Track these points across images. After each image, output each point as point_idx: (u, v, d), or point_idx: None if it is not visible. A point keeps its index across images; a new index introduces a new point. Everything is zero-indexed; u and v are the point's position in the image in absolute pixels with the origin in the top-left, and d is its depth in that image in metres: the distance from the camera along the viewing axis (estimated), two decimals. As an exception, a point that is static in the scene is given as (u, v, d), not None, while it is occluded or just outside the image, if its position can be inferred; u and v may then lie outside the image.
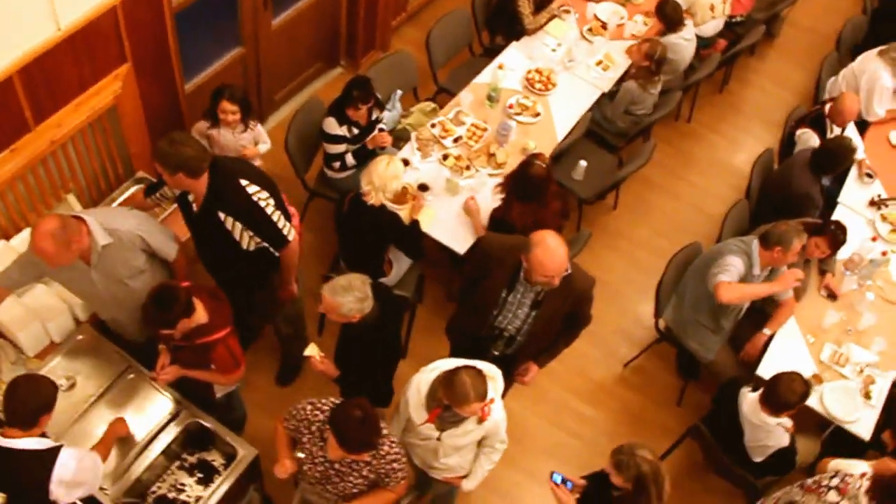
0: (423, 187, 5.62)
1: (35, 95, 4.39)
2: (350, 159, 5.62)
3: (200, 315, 4.05)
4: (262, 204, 4.32)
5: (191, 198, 4.35)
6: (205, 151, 4.19)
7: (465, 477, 4.45)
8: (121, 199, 5.19)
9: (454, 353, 4.96)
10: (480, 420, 4.04)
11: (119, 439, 4.25)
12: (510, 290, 4.37)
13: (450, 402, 3.85)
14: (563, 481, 4.18)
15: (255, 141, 5.48)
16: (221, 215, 4.28)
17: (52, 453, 3.56)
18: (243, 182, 4.29)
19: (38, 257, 3.90)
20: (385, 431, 3.77)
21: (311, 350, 4.34)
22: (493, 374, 4.02)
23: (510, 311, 4.44)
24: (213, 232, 4.37)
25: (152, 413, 4.44)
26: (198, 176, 4.14)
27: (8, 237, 4.78)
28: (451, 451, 4.23)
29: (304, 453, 3.88)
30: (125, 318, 4.47)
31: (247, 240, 4.38)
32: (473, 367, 3.88)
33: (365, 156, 5.50)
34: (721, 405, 5.00)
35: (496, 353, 4.65)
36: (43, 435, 3.61)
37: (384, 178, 4.85)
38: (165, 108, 5.43)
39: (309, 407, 3.86)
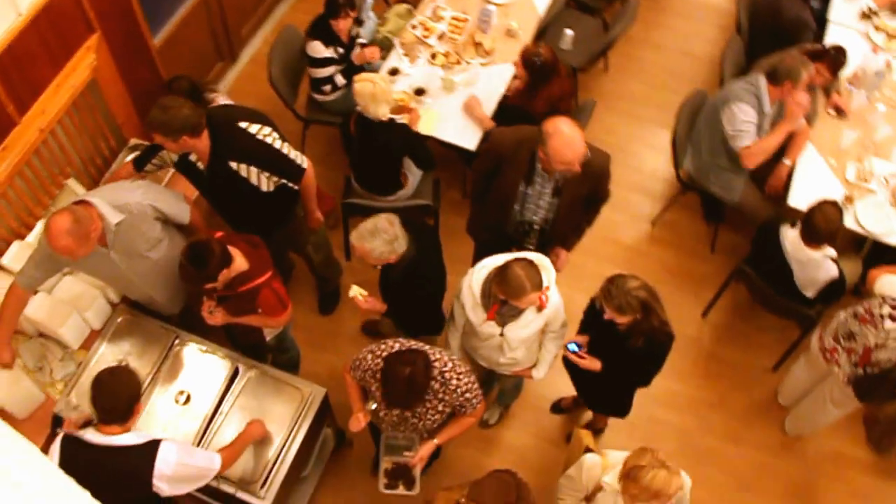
0: (420, 91, 5.50)
1: (13, 88, 4.22)
2: (340, 79, 5.49)
3: (240, 263, 4.00)
4: (269, 140, 4.26)
5: (193, 158, 4.26)
6: (198, 107, 4.08)
7: (533, 367, 4.49)
8: (107, 174, 5.05)
9: (480, 251, 5.01)
10: (539, 309, 4.04)
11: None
12: (528, 182, 4.35)
13: (506, 296, 3.85)
14: (577, 346, 4.26)
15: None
16: (233, 164, 4.21)
17: (152, 447, 3.52)
18: (243, 125, 4.21)
19: (59, 256, 3.84)
20: (450, 364, 3.79)
21: (354, 291, 4.33)
22: (543, 262, 4.00)
23: (532, 202, 4.43)
24: (229, 184, 4.29)
25: (212, 377, 4.43)
26: (200, 133, 4.06)
27: (21, 236, 4.68)
28: (516, 345, 4.24)
29: (376, 402, 3.91)
30: (155, 292, 4.42)
31: (265, 182, 4.32)
32: (524, 259, 3.87)
33: (354, 72, 5.36)
34: (762, 246, 5.01)
35: (531, 247, 4.63)
36: None
37: (377, 98, 4.72)
38: (141, 69, 5.25)
39: (370, 356, 3.86)
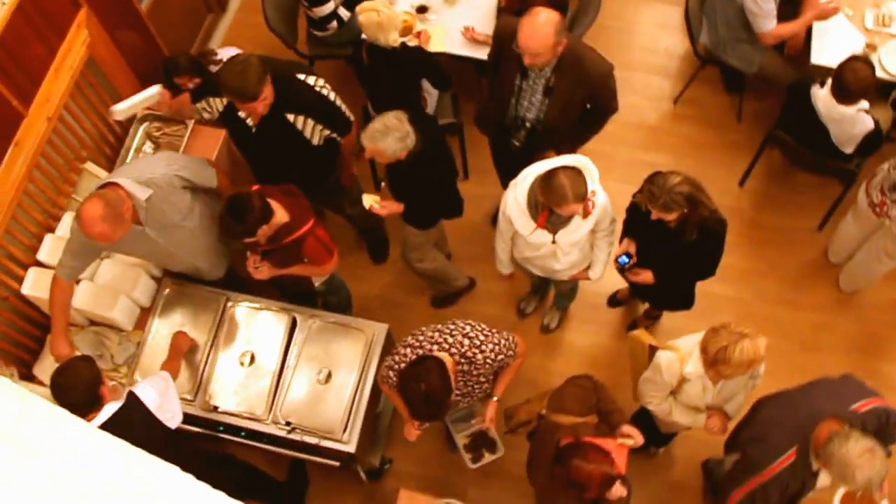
0: (422, 9, 5.34)
1: (13, 81, 4.10)
2: (344, 12, 5.30)
3: (281, 215, 3.95)
4: (325, 92, 4.23)
5: (243, 114, 4.18)
6: (260, 57, 4.02)
7: (588, 269, 4.46)
8: (142, 97, 4.76)
9: (494, 150, 5.03)
10: (585, 215, 3.99)
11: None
12: (523, 76, 4.26)
13: (549, 203, 3.81)
14: (627, 257, 4.24)
15: None
16: (290, 116, 4.16)
17: (132, 398, 3.60)
18: (301, 76, 4.18)
19: (95, 242, 3.79)
20: (467, 341, 3.69)
21: (368, 200, 4.32)
22: (586, 164, 3.93)
23: (525, 97, 4.35)
24: (279, 138, 4.24)
25: (272, 333, 4.41)
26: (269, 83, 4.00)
27: (50, 229, 4.61)
28: (569, 249, 4.21)
29: None
30: (196, 259, 4.38)
31: (317, 135, 4.27)
32: (569, 167, 3.80)
33: (356, 1, 5.16)
34: (793, 109, 4.90)
35: (517, 143, 4.58)
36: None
37: (384, 26, 4.56)
38: (134, 36, 5.12)
39: (391, 373, 3.78)
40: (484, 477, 4.75)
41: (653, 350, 4.06)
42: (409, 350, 3.73)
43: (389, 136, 3.93)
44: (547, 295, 5.36)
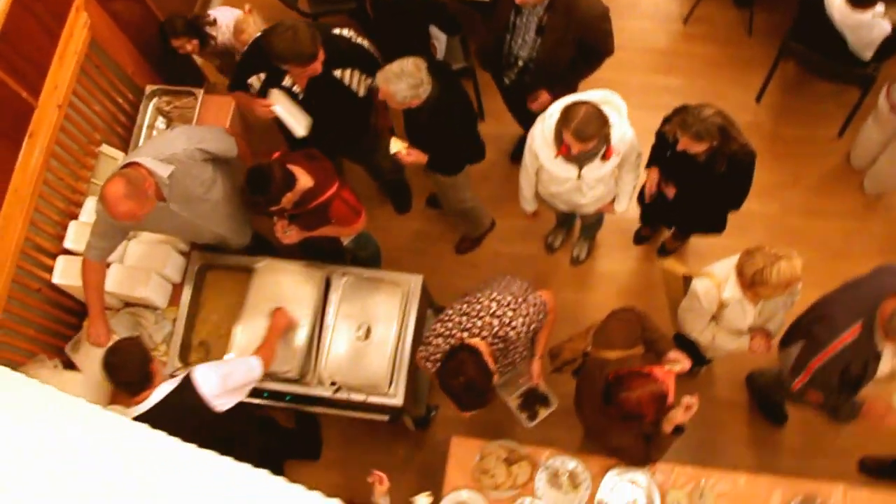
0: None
1: (20, 73, 4.07)
2: None
3: (304, 181, 3.94)
4: (360, 41, 4.27)
5: (288, 83, 4.18)
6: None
7: (613, 201, 4.45)
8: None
9: (501, 91, 4.98)
10: (606, 157, 3.97)
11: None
12: (517, 12, 4.25)
13: (563, 135, 3.79)
14: None
15: (235, 24, 4.98)
16: (338, 73, 4.20)
17: (187, 381, 3.59)
18: (336, 31, 4.22)
19: (122, 222, 3.79)
20: (496, 321, 3.64)
21: (396, 145, 4.29)
22: (614, 101, 3.92)
23: (519, 35, 4.33)
24: (330, 96, 4.24)
25: (306, 293, 4.40)
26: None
27: (73, 216, 4.62)
28: (594, 184, 4.20)
29: None
30: (222, 230, 4.37)
31: (362, 86, 4.30)
32: (589, 102, 3.77)
33: None
34: (807, 20, 4.82)
35: (507, 81, 4.61)
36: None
37: None
38: (134, 12, 5.07)
39: (428, 364, 3.76)
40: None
41: (687, 279, 4.06)
42: (440, 340, 3.70)
43: (403, 80, 3.88)
44: (573, 227, 5.35)
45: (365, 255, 4.84)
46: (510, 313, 3.65)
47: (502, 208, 5.43)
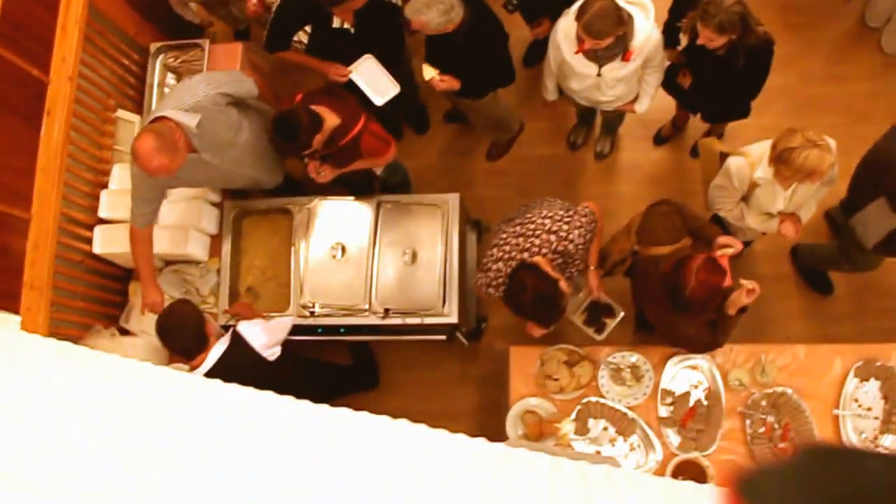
0: None
1: (27, 51, 4.03)
2: None
3: (331, 120, 3.94)
4: None
5: (337, 24, 4.14)
6: None
7: (634, 101, 4.42)
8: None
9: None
10: (625, 58, 3.93)
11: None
12: None
13: (582, 30, 3.75)
14: None
15: None
16: None
17: (237, 338, 3.73)
18: None
19: (156, 177, 3.78)
20: (552, 237, 3.66)
21: (429, 72, 4.24)
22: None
23: None
24: (383, 23, 4.23)
25: (355, 223, 4.47)
26: None
27: (103, 185, 4.64)
28: (614, 84, 4.17)
29: None
30: (255, 172, 4.37)
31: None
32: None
33: None
34: None
35: None
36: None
37: None
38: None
39: (491, 290, 3.78)
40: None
41: (723, 157, 4.06)
42: (500, 265, 3.71)
43: (433, 8, 3.82)
44: (593, 123, 5.32)
45: (395, 182, 4.84)
46: (565, 227, 3.67)
47: (520, 113, 5.38)
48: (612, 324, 4.12)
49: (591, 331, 4.16)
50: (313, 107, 3.88)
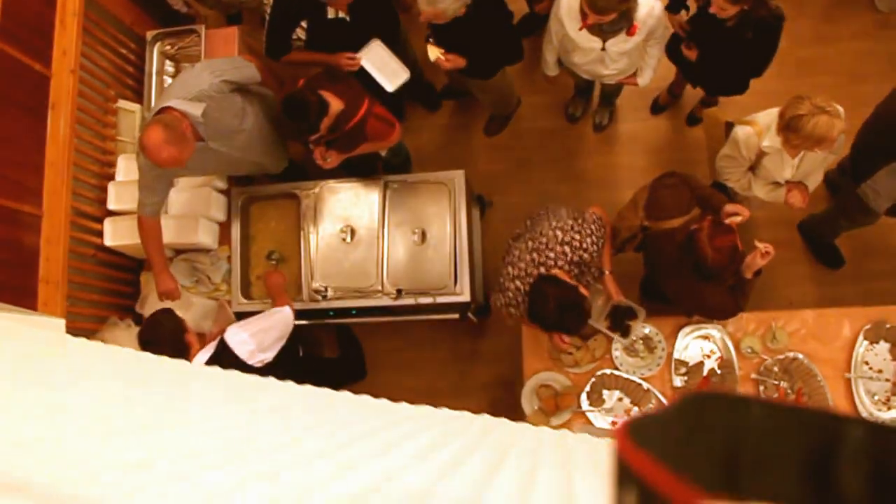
0: None
1: (28, 46, 4.05)
2: None
3: (336, 104, 3.93)
4: None
5: (331, 15, 4.15)
6: None
7: (636, 74, 4.44)
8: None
9: None
10: (629, 33, 3.95)
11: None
12: None
13: (586, 4, 3.73)
14: None
15: None
16: None
17: (222, 346, 3.66)
18: None
19: (164, 169, 3.80)
20: (566, 248, 3.64)
21: (434, 52, 4.23)
22: None
23: None
24: (375, 6, 4.26)
25: (361, 205, 4.50)
26: None
27: (109, 177, 4.65)
28: (618, 57, 4.19)
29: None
30: (261, 158, 4.38)
31: None
32: None
33: None
34: None
35: None
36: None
37: None
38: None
39: (512, 290, 3.75)
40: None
41: (729, 126, 4.09)
42: (517, 283, 3.68)
43: None
44: (591, 94, 5.35)
45: (397, 162, 4.86)
46: (577, 236, 3.66)
47: (518, 87, 5.40)
48: (635, 325, 4.10)
49: (617, 335, 4.12)
50: (318, 91, 3.88)
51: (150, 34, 4.95)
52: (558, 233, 3.66)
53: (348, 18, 4.16)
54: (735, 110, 4.56)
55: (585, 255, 3.68)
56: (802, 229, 5.05)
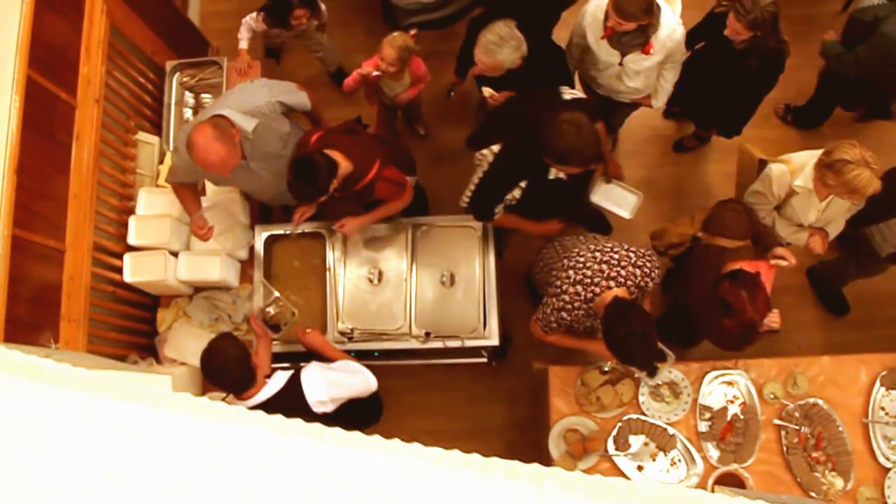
0: None
1: (55, 73, 3.93)
2: None
3: (345, 166, 3.82)
4: None
5: (553, 175, 3.92)
6: None
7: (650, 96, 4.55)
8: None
9: None
10: (644, 51, 4.05)
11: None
12: None
13: (611, 7, 3.83)
14: None
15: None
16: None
17: (294, 382, 3.55)
18: None
19: (207, 171, 3.72)
20: (634, 271, 3.63)
21: (487, 91, 4.28)
22: None
23: None
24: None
25: (386, 248, 4.50)
26: None
27: (129, 211, 4.55)
28: (634, 75, 4.28)
29: None
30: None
31: None
32: None
33: None
34: None
35: None
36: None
37: None
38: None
39: (571, 293, 3.67)
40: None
41: (762, 163, 4.18)
42: (578, 288, 3.60)
43: (506, 46, 3.82)
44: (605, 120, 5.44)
45: (413, 206, 4.83)
46: (649, 264, 3.67)
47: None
48: (665, 367, 4.12)
49: (643, 374, 4.13)
50: (328, 151, 3.80)
51: (169, 64, 4.91)
52: (631, 254, 3.65)
53: (567, 179, 3.92)
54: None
55: (650, 284, 3.69)
56: (811, 275, 5.17)
